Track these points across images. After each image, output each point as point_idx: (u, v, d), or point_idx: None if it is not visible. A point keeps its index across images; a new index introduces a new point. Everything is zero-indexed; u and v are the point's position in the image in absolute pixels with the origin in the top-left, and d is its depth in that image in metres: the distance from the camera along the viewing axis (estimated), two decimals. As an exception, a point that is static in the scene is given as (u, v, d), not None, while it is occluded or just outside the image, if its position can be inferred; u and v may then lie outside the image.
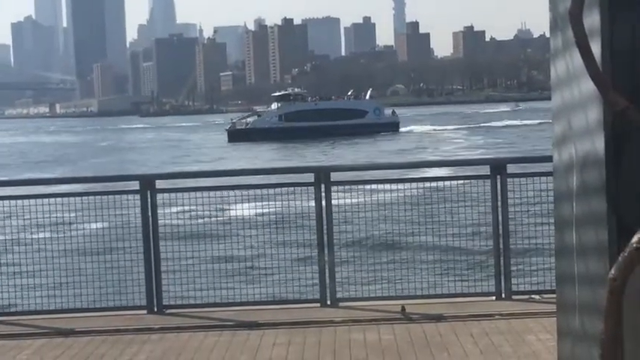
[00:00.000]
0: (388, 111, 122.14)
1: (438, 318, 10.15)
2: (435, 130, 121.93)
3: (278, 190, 11.46)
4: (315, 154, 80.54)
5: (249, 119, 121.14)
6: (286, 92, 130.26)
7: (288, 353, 9.08)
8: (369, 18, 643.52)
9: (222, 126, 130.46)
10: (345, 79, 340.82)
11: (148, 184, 11.11)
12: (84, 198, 11.63)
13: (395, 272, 11.98)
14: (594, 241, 4.39)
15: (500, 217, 10.89)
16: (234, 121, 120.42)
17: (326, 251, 10.92)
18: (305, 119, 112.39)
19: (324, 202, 10.91)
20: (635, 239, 3.44)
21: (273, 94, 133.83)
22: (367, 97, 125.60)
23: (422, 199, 11.42)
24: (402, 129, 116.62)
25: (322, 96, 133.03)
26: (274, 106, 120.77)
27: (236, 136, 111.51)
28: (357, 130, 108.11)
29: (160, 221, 11.09)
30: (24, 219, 11.26)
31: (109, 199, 11.59)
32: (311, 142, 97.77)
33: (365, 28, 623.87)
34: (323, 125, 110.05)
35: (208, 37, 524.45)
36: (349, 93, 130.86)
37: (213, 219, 12.16)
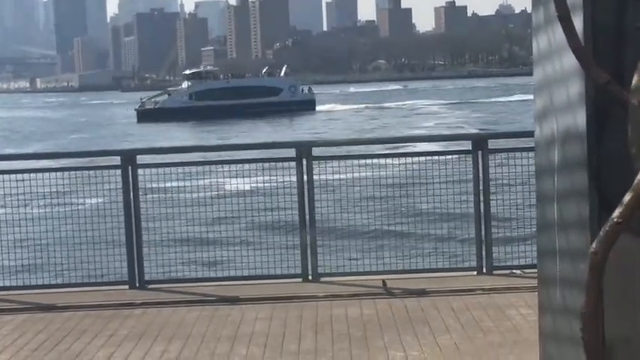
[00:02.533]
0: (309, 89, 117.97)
1: (420, 293, 10.17)
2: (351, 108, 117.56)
3: (260, 165, 11.45)
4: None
5: (159, 98, 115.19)
6: (197, 70, 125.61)
7: (270, 328, 9.09)
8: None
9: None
10: (327, 55, 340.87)
11: (129, 159, 11.07)
12: (65, 173, 11.58)
13: (376, 247, 12.00)
14: (576, 215, 4.40)
15: (481, 192, 10.91)
16: (143, 100, 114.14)
17: (307, 226, 10.93)
18: (216, 98, 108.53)
19: (305, 178, 10.90)
20: (616, 213, 3.45)
21: (183, 72, 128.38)
22: (282, 74, 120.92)
23: (403, 174, 11.42)
24: (318, 107, 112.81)
25: (235, 73, 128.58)
26: (185, 84, 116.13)
27: (145, 116, 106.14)
28: (271, 109, 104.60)
29: (140, 196, 11.06)
30: (3, 195, 11.20)
31: (89, 175, 11.54)
32: (221, 121, 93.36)
33: (347, 3, 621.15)
34: (235, 104, 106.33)
35: (190, 12, 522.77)
36: (264, 70, 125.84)
37: (194, 194, 12.12)
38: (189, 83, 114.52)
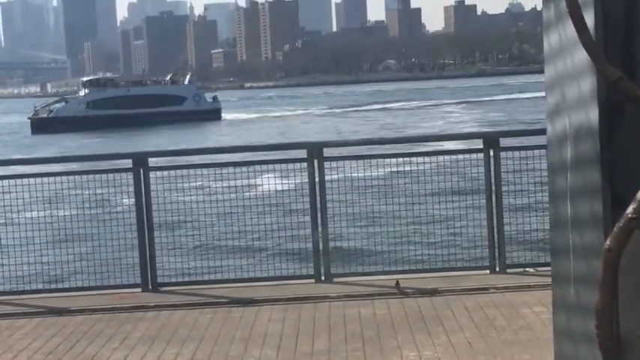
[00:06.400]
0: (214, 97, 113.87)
1: (433, 292, 10.16)
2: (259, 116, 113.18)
3: (270, 166, 11.45)
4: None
5: (54, 106, 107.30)
6: (96, 77, 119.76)
7: (283, 329, 9.09)
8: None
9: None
10: (337, 55, 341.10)
11: (140, 161, 11.09)
12: (77, 177, 11.60)
13: (389, 247, 11.99)
14: (589, 212, 4.38)
15: (493, 191, 10.89)
16: (37, 108, 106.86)
17: (320, 227, 10.92)
18: (116, 106, 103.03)
19: (317, 178, 10.90)
20: (629, 210, 3.43)
21: (82, 79, 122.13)
22: (186, 81, 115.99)
23: (415, 173, 11.40)
24: (225, 116, 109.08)
25: (136, 80, 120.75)
26: (82, 92, 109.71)
27: (39, 126, 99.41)
28: (174, 118, 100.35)
29: (153, 199, 11.07)
30: (17, 198, 11.23)
31: (102, 178, 11.56)
32: (120, 132, 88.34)
33: (356, 4, 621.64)
34: (135, 113, 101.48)
35: (199, 15, 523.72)
36: (167, 78, 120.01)
37: (206, 196, 12.13)
38: (87, 91, 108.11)
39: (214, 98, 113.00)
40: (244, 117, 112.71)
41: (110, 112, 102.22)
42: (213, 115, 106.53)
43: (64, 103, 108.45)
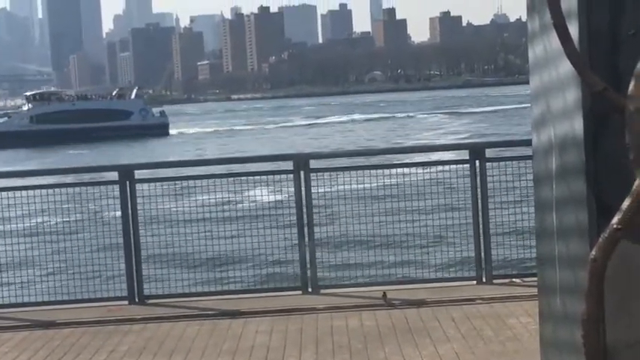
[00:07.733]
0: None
1: (420, 303, 10.16)
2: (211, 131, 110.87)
3: (257, 177, 11.44)
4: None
5: None
6: (40, 91, 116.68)
7: (270, 341, 9.08)
8: (346, 5, 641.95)
9: (194, 117, 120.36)
10: (323, 67, 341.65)
11: (127, 174, 11.07)
12: (62, 189, 11.57)
13: (376, 258, 11.99)
14: (574, 222, 4.39)
15: (479, 202, 10.91)
16: None
17: (306, 238, 10.92)
18: (60, 121, 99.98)
19: (303, 190, 10.89)
20: (615, 220, 3.43)
21: (25, 94, 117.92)
22: (133, 96, 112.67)
23: (402, 184, 11.41)
24: (172, 131, 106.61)
25: (82, 95, 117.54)
26: (26, 106, 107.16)
27: None
28: (120, 133, 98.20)
29: (139, 211, 11.05)
30: (1, 211, 11.18)
31: (87, 190, 11.53)
32: (64, 147, 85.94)
33: (341, 15, 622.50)
34: (81, 128, 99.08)
35: (185, 27, 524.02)
36: (114, 93, 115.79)
37: (192, 208, 12.11)
38: (30, 105, 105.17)
39: (162, 113, 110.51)
40: (190, 131, 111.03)
41: (55, 126, 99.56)
42: (160, 130, 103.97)
43: (6, 118, 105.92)
